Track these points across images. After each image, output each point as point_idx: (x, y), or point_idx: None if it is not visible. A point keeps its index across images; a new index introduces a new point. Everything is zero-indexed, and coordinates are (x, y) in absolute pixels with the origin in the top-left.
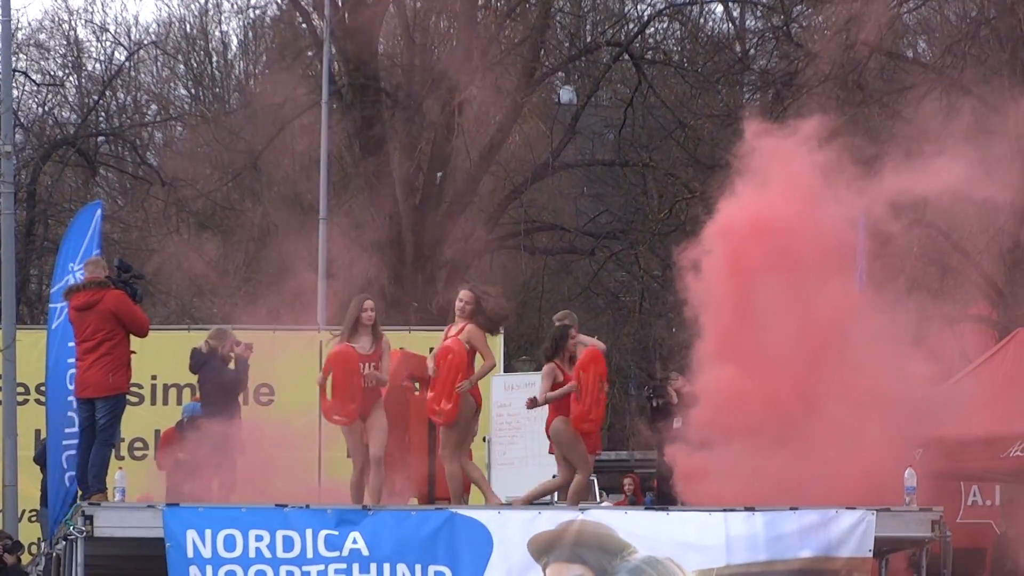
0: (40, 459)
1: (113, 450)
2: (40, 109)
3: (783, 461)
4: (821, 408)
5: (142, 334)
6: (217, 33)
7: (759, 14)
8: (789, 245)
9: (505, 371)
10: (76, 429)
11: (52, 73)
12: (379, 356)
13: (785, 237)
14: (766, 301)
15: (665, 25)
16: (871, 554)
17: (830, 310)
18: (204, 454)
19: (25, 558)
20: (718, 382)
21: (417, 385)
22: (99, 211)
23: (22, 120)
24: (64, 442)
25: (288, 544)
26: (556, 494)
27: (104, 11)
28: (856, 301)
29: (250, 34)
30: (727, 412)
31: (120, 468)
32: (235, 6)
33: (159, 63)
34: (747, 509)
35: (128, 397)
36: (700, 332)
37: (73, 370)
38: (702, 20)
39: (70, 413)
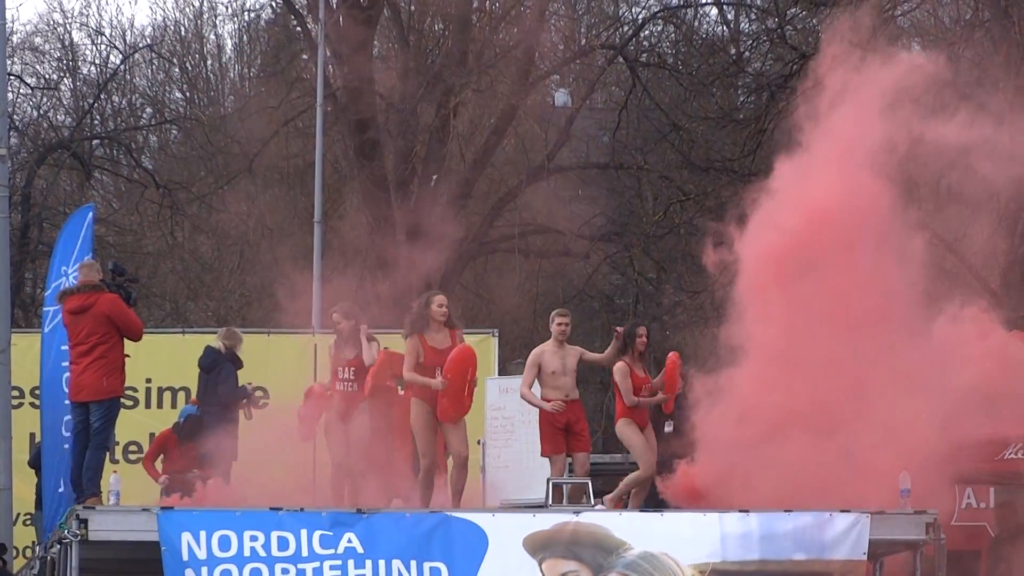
0: (35, 462)
1: (107, 454)
2: (35, 112)
3: (825, 460)
4: (869, 406)
5: (136, 338)
6: (212, 36)
7: (753, 17)
8: (844, 230)
9: (499, 374)
10: (71, 433)
11: (47, 76)
12: (360, 362)
13: (841, 221)
14: (815, 290)
15: (660, 28)
16: (865, 557)
17: (875, 301)
18: (198, 461)
19: (19, 562)
20: (760, 377)
21: (401, 388)
22: (91, 214)
23: (17, 123)
24: (61, 446)
25: (283, 544)
26: (551, 496)
27: (99, 14)
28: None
29: (245, 37)
30: (769, 409)
31: (115, 472)
32: (230, 9)
33: (154, 66)
34: (741, 511)
35: (122, 400)
36: (743, 322)
37: (67, 374)
38: (696, 23)
39: (65, 417)
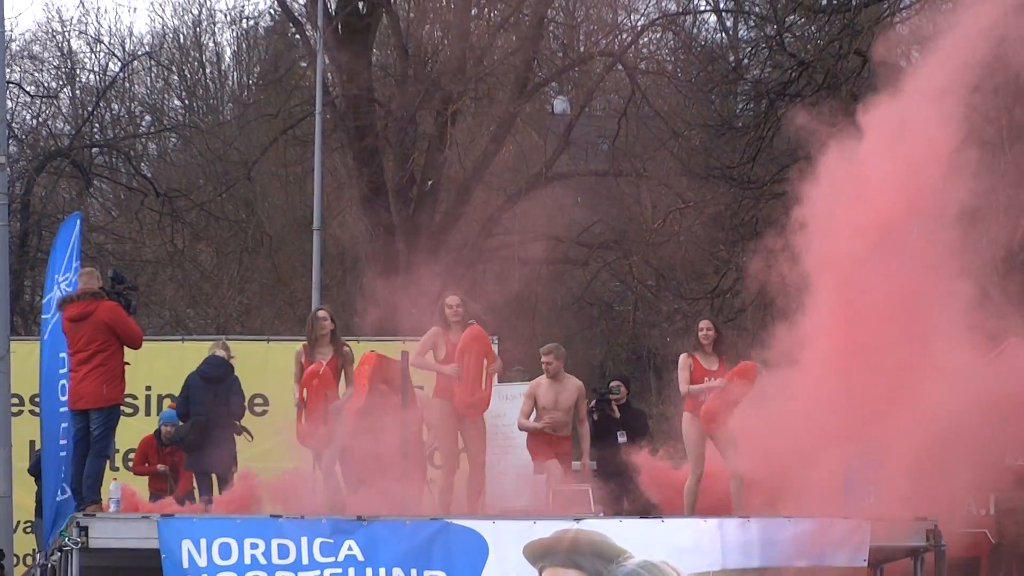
0: (35, 470)
1: (108, 461)
2: (34, 120)
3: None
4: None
5: (136, 346)
6: (211, 44)
7: (752, 24)
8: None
9: (499, 381)
10: (69, 440)
11: (46, 84)
12: (337, 366)
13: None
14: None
15: (658, 35)
16: (866, 564)
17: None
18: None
19: (19, 569)
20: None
21: None
22: (79, 223)
23: (16, 131)
24: (59, 453)
25: (283, 552)
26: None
27: (98, 22)
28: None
29: (243, 45)
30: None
31: (115, 479)
32: (228, 17)
33: (153, 74)
34: (742, 517)
35: (122, 408)
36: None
37: (64, 381)
38: (695, 30)
39: (63, 424)
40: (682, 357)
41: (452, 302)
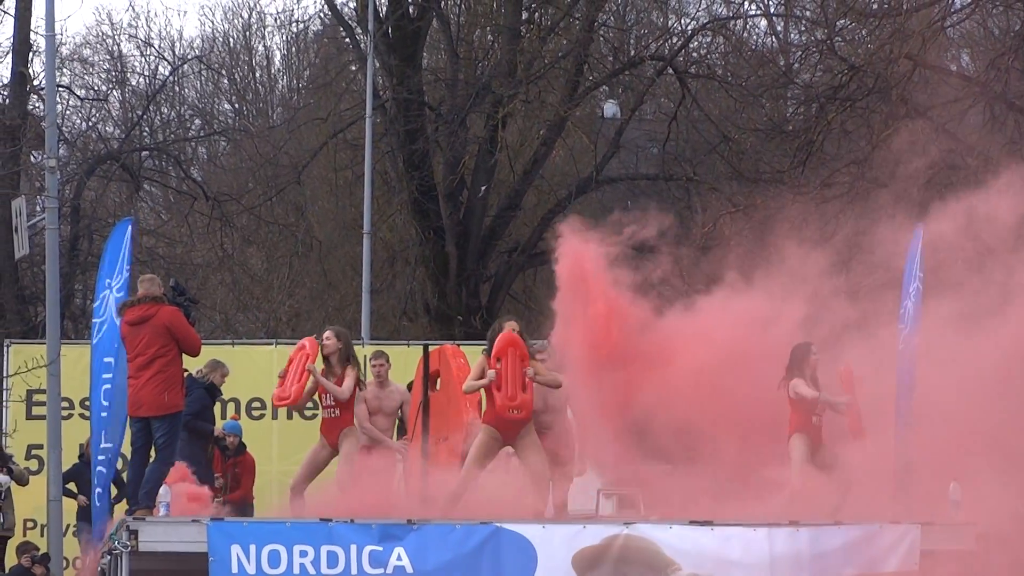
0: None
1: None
2: (84, 124)
3: None
4: None
5: (194, 353)
6: (260, 48)
7: (803, 28)
8: None
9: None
10: (109, 445)
11: (96, 88)
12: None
13: None
14: None
15: (709, 39)
16: (917, 567)
17: None
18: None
19: (69, 573)
20: None
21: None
22: (129, 227)
23: (66, 135)
24: (98, 457)
25: (332, 560)
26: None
27: (148, 26)
28: None
29: (293, 48)
30: None
31: (165, 483)
32: (278, 20)
33: (203, 78)
34: (791, 524)
35: None
36: None
37: (107, 386)
38: (746, 34)
39: (102, 429)
40: (797, 382)
41: (513, 327)
